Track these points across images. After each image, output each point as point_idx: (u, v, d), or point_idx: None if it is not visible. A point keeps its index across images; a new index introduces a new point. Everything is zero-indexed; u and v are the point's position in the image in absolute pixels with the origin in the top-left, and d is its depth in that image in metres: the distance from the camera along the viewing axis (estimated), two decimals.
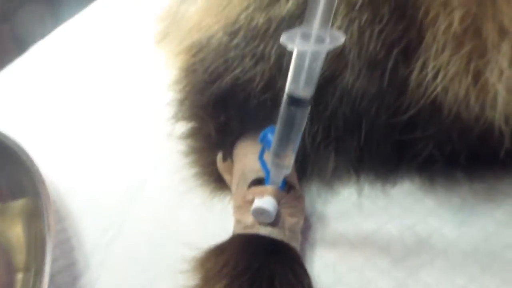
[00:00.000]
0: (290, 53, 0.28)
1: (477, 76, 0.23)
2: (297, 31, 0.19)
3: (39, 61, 0.45)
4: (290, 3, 0.28)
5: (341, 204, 0.28)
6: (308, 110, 0.21)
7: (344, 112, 0.27)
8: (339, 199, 0.28)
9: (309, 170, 0.29)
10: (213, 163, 0.31)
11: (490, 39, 0.22)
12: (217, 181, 0.30)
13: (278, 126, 0.22)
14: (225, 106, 0.29)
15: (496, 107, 0.22)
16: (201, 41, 0.33)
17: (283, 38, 0.18)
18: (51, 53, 0.46)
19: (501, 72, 0.22)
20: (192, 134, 0.32)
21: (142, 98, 0.38)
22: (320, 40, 0.18)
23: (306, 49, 0.18)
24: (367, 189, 0.29)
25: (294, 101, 0.20)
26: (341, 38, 0.19)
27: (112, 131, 0.35)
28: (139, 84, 0.39)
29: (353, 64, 0.27)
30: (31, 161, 0.31)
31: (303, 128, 0.22)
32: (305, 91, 0.20)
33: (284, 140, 0.22)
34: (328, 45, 0.18)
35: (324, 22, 0.18)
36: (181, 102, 0.33)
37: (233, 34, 0.30)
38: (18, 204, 0.32)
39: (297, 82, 0.20)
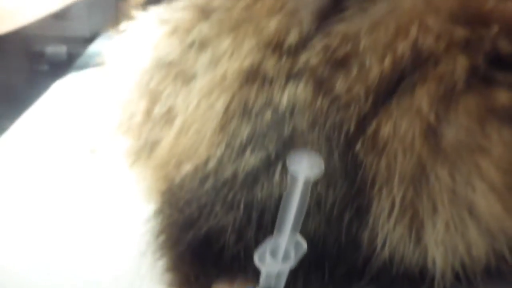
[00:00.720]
0: (258, 205, 0.31)
1: (418, 241, 0.27)
2: (266, 247, 0.22)
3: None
4: (253, 158, 0.32)
5: None
6: None
7: (309, 256, 0.31)
8: None
9: None
10: None
11: (426, 213, 0.26)
12: None
13: None
14: (201, 258, 0.31)
15: (435, 267, 0.27)
16: (174, 180, 0.35)
17: (256, 259, 0.22)
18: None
19: (437, 240, 0.26)
20: (170, 269, 0.35)
21: (122, 229, 0.40)
22: (287, 255, 0.22)
23: (275, 269, 0.22)
24: None
25: None
26: (303, 247, 0.22)
27: (94, 264, 0.37)
28: (117, 214, 0.41)
29: (313, 216, 0.30)
30: None
31: None
32: (277, 285, 0.23)
33: None
34: (293, 260, 0.22)
35: (293, 232, 0.22)
36: (157, 237, 0.36)
37: (203, 180, 0.33)
38: None
39: (268, 282, 0.23)
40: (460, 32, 0.30)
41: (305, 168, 0.18)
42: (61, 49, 0.81)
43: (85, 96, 0.53)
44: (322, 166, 0.19)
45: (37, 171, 0.48)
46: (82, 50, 0.77)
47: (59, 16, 0.75)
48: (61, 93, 0.57)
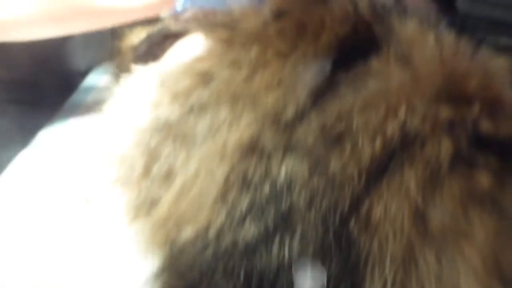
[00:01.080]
0: (257, 274, 0.33)
1: None
2: None
3: None
4: (252, 229, 0.33)
5: None
6: None
7: None
8: None
9: None
10: None
11: None
12: None
13: None
14: None
15: None
16: (174, 241, 0.37)
17: None
18: None
19: None
20: None
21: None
22: None
23: None
24: None
25: None
26: None
27: None
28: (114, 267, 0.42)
29: None
30: None
31: None
32: None
33: None
34: None
35: None
36: None
37: (204, 247, 0.35)
38: None
39: None
40: (445, 113, 0.32)
41: (308, 280, 0.20)
42: (55, 81, 0.82)
43: (81, 143, 0.54)
44: (324, 280, 0.21)
45: (31, 218, 0.48)
46: (77, 83, 0.78)
47: (55, 48, 0.76)
48: (55, 138, 0.58)
